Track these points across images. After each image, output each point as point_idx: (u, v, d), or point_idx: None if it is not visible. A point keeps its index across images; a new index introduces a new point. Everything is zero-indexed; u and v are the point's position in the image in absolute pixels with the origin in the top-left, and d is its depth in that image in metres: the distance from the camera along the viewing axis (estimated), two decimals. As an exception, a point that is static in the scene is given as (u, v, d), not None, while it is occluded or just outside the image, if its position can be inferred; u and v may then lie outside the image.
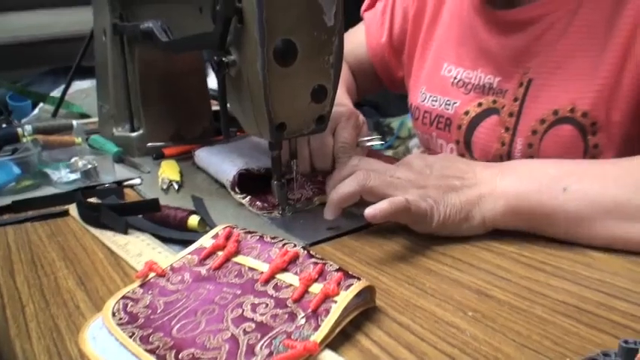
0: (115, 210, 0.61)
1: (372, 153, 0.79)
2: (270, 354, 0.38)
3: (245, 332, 0.41)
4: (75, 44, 1.37)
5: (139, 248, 0.57)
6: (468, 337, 0.41)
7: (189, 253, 0.52)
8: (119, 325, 0.43)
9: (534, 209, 0.53)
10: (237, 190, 0.69)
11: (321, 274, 0.45)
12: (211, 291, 0.46)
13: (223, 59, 0.58)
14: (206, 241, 0.53)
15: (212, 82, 1.06)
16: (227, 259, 0.50)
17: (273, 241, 0.51)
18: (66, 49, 1.51)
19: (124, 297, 0.46)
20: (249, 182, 0.70)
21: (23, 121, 1.05)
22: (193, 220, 0.60)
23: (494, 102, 0.77)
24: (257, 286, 0.46)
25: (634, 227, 0.50)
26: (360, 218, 0.62)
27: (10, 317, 0.46)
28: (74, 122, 0.90)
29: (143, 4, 0.81)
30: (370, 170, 0.58)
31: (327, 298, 0.43)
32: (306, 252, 0.48)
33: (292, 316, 0.42)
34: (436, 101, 0.85)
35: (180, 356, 0.39)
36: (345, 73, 0.97)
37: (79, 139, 0.87)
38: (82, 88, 1.18)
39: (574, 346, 0.39)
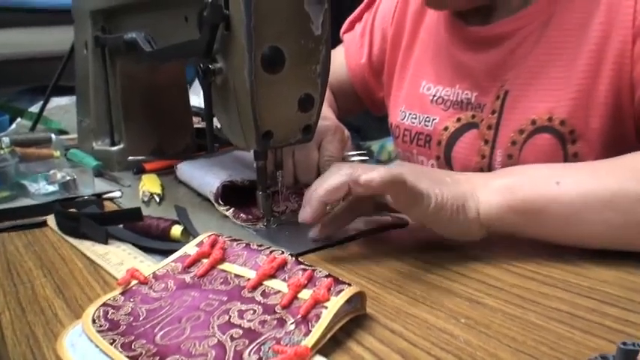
0: (94, 219, 0.59)
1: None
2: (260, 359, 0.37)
3: (232, 338, 0.39)
4: (53, 63, 1.35)
5: (119, 257, 0.55)
6: (462, 343, 0.40)
7: (172, 261, 0.50)
8: (99, 332, 0.41)
9: (528, 201, 0.52)
10: (220, 202, 0.68)
11: (311, 280, 0.44)
12: (196, 298, 0.45)
13: (210, 67, 0.58)
14: (190, 248, 0.51)
15: (194, 99, 1.06)
16: (212, 267, 0.48)
17: (259, 248, 0.49)
18: (44, 69, 1.50)
19: (104, 304, 0.45)
20: (232, 195, 0.69)
21: (0, 134, 1.03)
22: (176, 230, 0.59)
23: (473, 117, 0.77)
24: (244, 292, 0.45)
25: (633, 216, 0.49)
26: (345, 230, 0.62)
27: (-16, 326, 0.44)
28: (53, 135, 0.88)
29: (126, 16, 0.80)
30: (357, 165, 0.55)
31: (317, 303, 0.41)
32: (294, 259, 0.47)
33: (281, 322, 0.41)
34: (415, 119, 0.85)
35: (164, 363, 0.37)
36: (326, 93, 0.97)
37: (57, 153, 0.85)
38: (61, 104, 1.16)
39: (570, 351, 0.38)
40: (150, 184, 0.77)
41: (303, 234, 0.61)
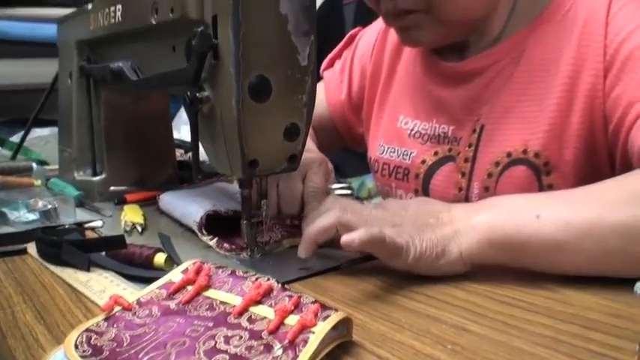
0: (77, 246, 0.58)
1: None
2: (247, 384, 0.36)
3: (219, 363, 0.39)
4: (31, 96, 1.35)
5: (102, 285, 0.54)
6: (449, 367, 0.40)
7: (157, 288, 0.50)
8: (82, 357, 0.40)
9: (510, 238, 0.53)
10: (204, 231, 0.67)
11: (297, 306, 0.44)
12: (181, 324, 0.44)
13: (197, 95, 0.58)
14: (175, 275, 0.51)
15: (175, 133, 1.06)
16: (197, 293, 0.48)
17: (245, 275, 0.49)
18: (22, 101, 1.49)
19: (87, 330, 0.44)
20: (215, 225, 0.68)
21: (-21, 163, 1.02)
22: (160, 258, 0.58)
23: (450, 150, 0.79)
24: (230, 318, 0.44)
25: (612, 245, 0.50)
26: (330, 260, 0.62)
27: (-38, 352, 0.43)
28: (34, 164, 0.87)
29: (112, 46, 0.80)
30: (347, 207, 0.58)
31: (304, 328, 0.41)
32: (280, 285, 0.47)
33: (268, 348, 0.40)
34: (394, 152, 0.87)
35: (149, 388, 0.37)
36: (308, 129, 0.98)
37: (38, 181, 0.84)
38: (42, 135, 1.15)
39: (556, 375, 0.38)
40: (132, 214, 0.77)
41: (287, 264, 0.61)
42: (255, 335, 0.42)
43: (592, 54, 0.67)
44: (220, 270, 0.50)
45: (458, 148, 0.78)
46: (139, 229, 0.72)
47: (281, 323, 0.42)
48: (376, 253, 0.54)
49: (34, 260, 0.62)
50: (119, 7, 0.74)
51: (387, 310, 0.50)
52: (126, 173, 0.90)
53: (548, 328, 0.45)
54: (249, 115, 0.56)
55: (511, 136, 0.73)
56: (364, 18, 1.11)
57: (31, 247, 0.64)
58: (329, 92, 1.02)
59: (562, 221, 0.52)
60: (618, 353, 0.40)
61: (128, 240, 0.62)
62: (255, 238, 0.64)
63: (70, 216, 0.75)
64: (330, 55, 1.04)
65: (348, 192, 0.81)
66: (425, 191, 0.81)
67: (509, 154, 0.72)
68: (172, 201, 0.78)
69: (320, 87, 1.06)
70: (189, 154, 1.10)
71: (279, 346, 0.40)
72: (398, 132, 0.87)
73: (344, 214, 0.56)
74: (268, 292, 0.46)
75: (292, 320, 0.42)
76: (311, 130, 1.03)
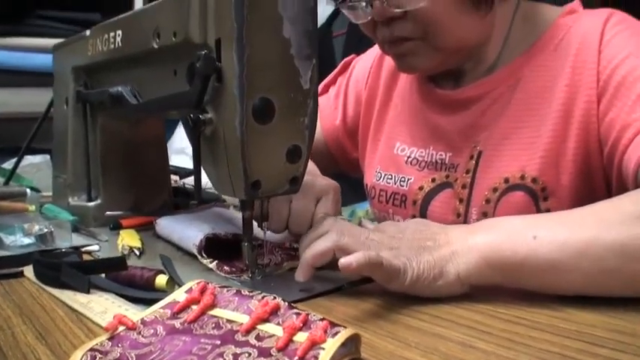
0: (77, 268, 0.58)
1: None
2: (259, 400, 0.36)
3: (229, 380, 0.39)
4: (22, 125, 1.35)
5: (103, 306, 0.54)
6: (459, 383, 0.40)
7: (161, 307, 0.49)
8: (89, 376, 0.40)
9: (507, 258, 0.53)
10: (203, 254, 0.67)
11: (306, 324, 0.44)
12: (188, 342, 0.44)
13: (200, 117, 0.59)
14: (179, 295, 0.51)
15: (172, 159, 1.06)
16: (203, 312, 0.48)
17: (251, 294, 0.49)
18: (12, 130, 1.49)
19: (91, 349, 0.43)
20: (214, 248, 0.68)
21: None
22: (161, 280, 0.58)
23: (447, 176, 0.80)
24: (238, 336, 0.44)
25: (608, 264, 0.50)
26: (331, 281, 0.62)
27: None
28: (28, 189, 0.87)
29: (110, 72, 0.81)
30: (344, 230, 0.59)
31: (314, 345, 0.41)
32: (286, 304, 0.47)
33: (278, 364, 0.40)
34: (391, 179, 0.87)
35: (160, 405, 0.36)
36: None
37: (32, 207, 0.83)
38: (34, 162, 1.15)
39: (566, 389, 0.38)
40: (129, 238, 0.76)
41: (288, 285, 0.61)
42: (264, 352, 0.42)
43: (586, 81, 0.69)
44: (225, 289, 0.50)
45: (455, 174, 0.79)
46: (137, 252, 0.72)
47: (290, 340, 0.42)
48: (374, 276, 0.55)
49: (32, 283, 0.61)
50: (119, 32, 0.75)
51: (393, 329, 0.50)
52: (121, 198, 0.90)
53: (553, 345, 0.45)
54: (252, 136, 0.57)
55: (509, 162, 0.74)
56: (353, 50, 1.13)
57: (28, 270, 0.63)
58: (323, 118, 1.03)
59: (558, 241, 0.52)
60: (626, 367, 0.41)
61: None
62: (256, 260, 0.64)
63: (66, 240, 0.75)
64: (325, 82, 1.06)
65: (349, 219, 0.82)
66: (422, 217, 0.81)
67: (506, 180, 0.73)
68: (170, 225, 0.78)
69: None
70: (184, 180, 1.11)
71: (289, 362, 0.40)
72: (395, 159, 0.88)
73: (341, 238, 0.57)
74: (275, 311, 0.46)
75: (301, 337, 0.42)
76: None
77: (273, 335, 0.43)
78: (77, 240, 0.77)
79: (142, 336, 0.46)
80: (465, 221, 0.76)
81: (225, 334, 0.44)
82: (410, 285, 0.54)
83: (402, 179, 0.86)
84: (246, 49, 0.55)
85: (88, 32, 0.85)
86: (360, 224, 0.69)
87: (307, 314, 0.45)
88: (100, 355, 0.43)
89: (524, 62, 0.75)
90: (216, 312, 0.48)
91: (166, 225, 0.78)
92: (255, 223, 0.64)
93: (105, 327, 0.46)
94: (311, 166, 0.72)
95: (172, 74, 0.66)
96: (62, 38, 0.98)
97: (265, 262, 0.66)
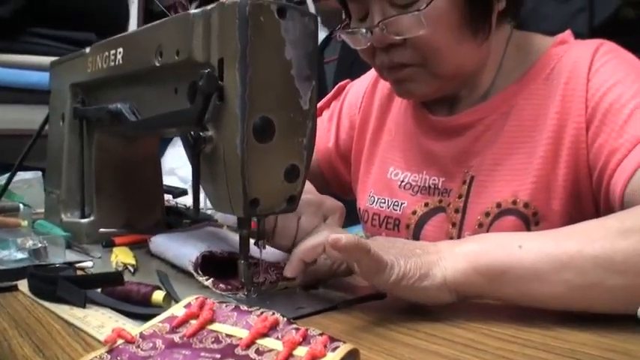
0: (73, 282, 0.58)
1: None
2: (261, 412, 0.36)
3: (230, 393, 0.39)
4: (12, 142, 1.34)
5: (100, 320, 0.54)
6: (457, 398, 0.40)
7: (159, 322, 0.49)
8: (90, 387, 0.40)
9: (493, 264, 0.54)
10: (199, 272, 0.67)
11: (305, 338, 0.44)
12: (187, 356, 0.44)
13: (201, 134, 0.60)
14: (178, 310, 0.51)
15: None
16: (202, 327, 0.48)
17: (250, 309, 0.49)
18: (3, 147, 1.48)
19: (92, 362, 0.43)
20: (210, 267, 0.69)
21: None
22: (158, 295, 0.58)
23: (440, 201, 0.81)
24: (238, 350, 0.44)
25: (591, 277, 0.51)
26: (326, 301, 0.62)
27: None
28: (21, 205, 0.87)
29: (109, 89, 0.82)
30: (337, 231, 0.60)
31: (314, 359, 0.41)
32: (285, 319, 0.47)
33: (279, 378, 0.40)
34: (384, 203, 0.89)
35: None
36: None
37: (24, 222, 0.83)
38: (25, 178, 1.15)
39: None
40: (123, 255, 0.76)
41: (284, 304, 0.61)
42: (264, 366, 0.42)
43: (575, 108, 0.71)
44: (224, 305, 0.51)
45: (448, 199, 0.80)
46: (131, 269, 0.72)
47: (290, 355, 0.43)
48: (360, 264, 0.55)
49: (26, 297, 0.61)
50: (120, 50, 0.76)
51: (389, 347, 0.50)
52: (114, 216, 0.90)
53: (548, 363, 0.46)
54: (252, 154, 0.58)
55: (501, 187, 0.76)
56: (345, 76, 1.15)
57: (22, 285, 0.63)
58: (317, 140, 1.04)
59: (543, 252, 0.54)
60: (620, 384, 0.42)
61: (122, 279, 0.61)
62: (252, 278, 0.64)
63: (59, 256, 0.74)
64: (319, 105, 1.07)
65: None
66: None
67: (499, 205, 0.75)
68: (165, 243, 0.78)
69: None
70: (177, 199, 1.11)
71: (289, 376, 0.40)
72: (388, 183, 0.89)
73: (333, 234, 0.56)
74: (274, 326, 0.46)
75: (301, 352, 0.43)
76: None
77: (273, 350, 0.44)
78: (70, 256, 0.77)
79: (141, 349, 0.46)
80: None
81: (225, 349, 0.45)
82: (394, 283, 0.54)
83: (396, 203, 0.87)
84: (248, 70, 0.56)
85: (87, 49, 0.86)
86: None
87: (306, 329, 0.45)
88: (99, 368, 0.43)
89: (517, 90, 0.77)
90: (215, 326, 0.48)
91: (161, 242, 0.78)
92: (251, 241, 0.65)
93: (104, 340, 0.46)
94: (310, 186, 0.74)
95: (173, 92, 0.67)
96: (57, 56, 0.99)
97: (260, 281, 0.66)
